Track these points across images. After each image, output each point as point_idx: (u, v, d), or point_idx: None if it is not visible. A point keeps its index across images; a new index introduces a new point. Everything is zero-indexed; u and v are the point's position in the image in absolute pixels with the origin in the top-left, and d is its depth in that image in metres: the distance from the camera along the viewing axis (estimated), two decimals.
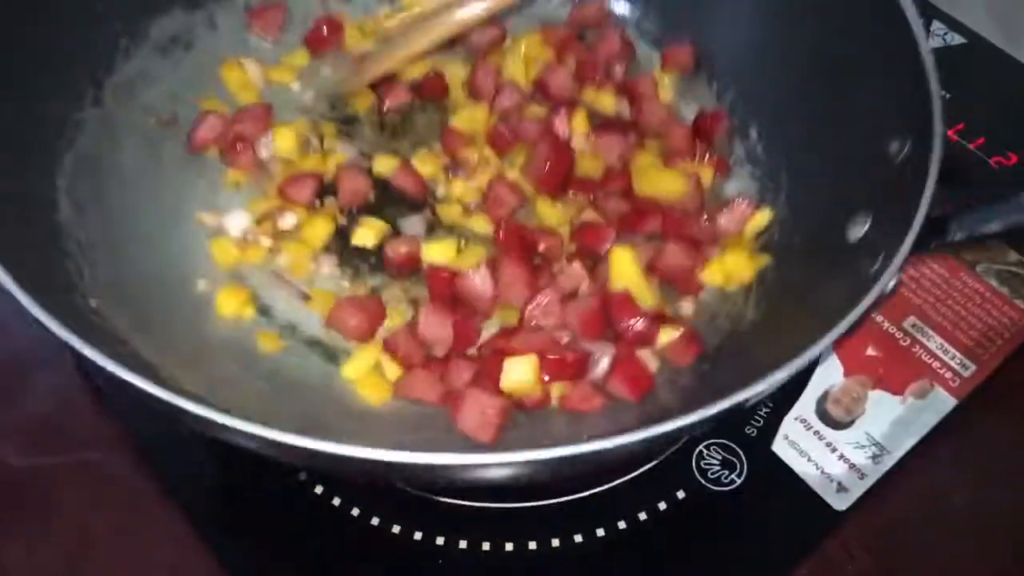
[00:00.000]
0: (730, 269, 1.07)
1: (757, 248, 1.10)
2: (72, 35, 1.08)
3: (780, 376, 0.81)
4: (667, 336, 1.00)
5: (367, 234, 1.10)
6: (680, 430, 0.75)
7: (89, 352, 0.73)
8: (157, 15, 1.18)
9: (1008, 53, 1.45)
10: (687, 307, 1.07)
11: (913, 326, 1.18)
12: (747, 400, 0.78)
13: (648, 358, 1.00)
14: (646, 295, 1.03)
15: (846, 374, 1.14)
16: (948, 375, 1.14)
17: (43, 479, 1.04)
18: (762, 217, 1.11)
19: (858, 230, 0.99)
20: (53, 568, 1.00)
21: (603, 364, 0.98)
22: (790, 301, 1.02)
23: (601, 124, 1.18)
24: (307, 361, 1.03)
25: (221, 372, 0.97)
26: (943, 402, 1.12)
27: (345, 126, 1.21)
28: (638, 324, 1.00)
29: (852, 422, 1.11)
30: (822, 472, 1.07)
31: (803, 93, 1.13)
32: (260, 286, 1.08)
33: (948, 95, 1.39)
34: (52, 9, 1.04)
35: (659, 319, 1.02)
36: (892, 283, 0.89)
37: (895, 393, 1.12)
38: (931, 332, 1.17)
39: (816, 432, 1.10)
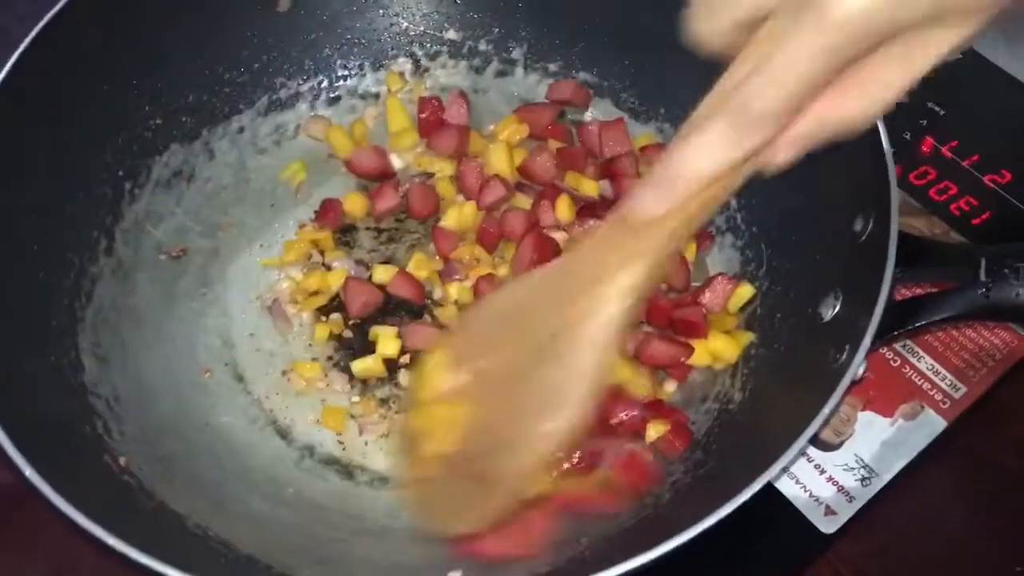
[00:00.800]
0: (716, 349, 1.12)
1: (742, 324, 1.14)
2: (80, 191, 1.16)
3: (765, 477, 0.86)
4: (656, 431, 1.05)
5: (390, 344, 1.16)
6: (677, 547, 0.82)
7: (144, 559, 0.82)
8: (157, 154, 1.25)
9: (1004, 70, 1.44)
10: (673, 388, 1.12)
11: (904, 347, 1.20)
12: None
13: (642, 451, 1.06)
14: (639, 386, 1.08)
15: None
16: (938, 397, 1.16)
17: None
18: (745, 292, 1.15)
19: (830, 309, 1.02)
20: None
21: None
22: (775, 380, 1.06)
23: (583, 207, 1.23)
24: (327, 482, 1.10)
25: (247, 508, 1.04)
26: (933, 424, 1.14)
27: (343, 235, 1.27)
28: (632, 415, 1.05)
29: (841, 444, 1.13)
30: (810, 495, 1.10)
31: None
32: (277, 409, 1.15)
33: (942, 111, 1.42)
34: (60, 166, 1.13)
35: (652, 407, 1.07)
36: (860, 370, 0.94)
37: (885, 415, 1.15)
38: (922, 353, 1.19)
39: (804, 453, 1.12)
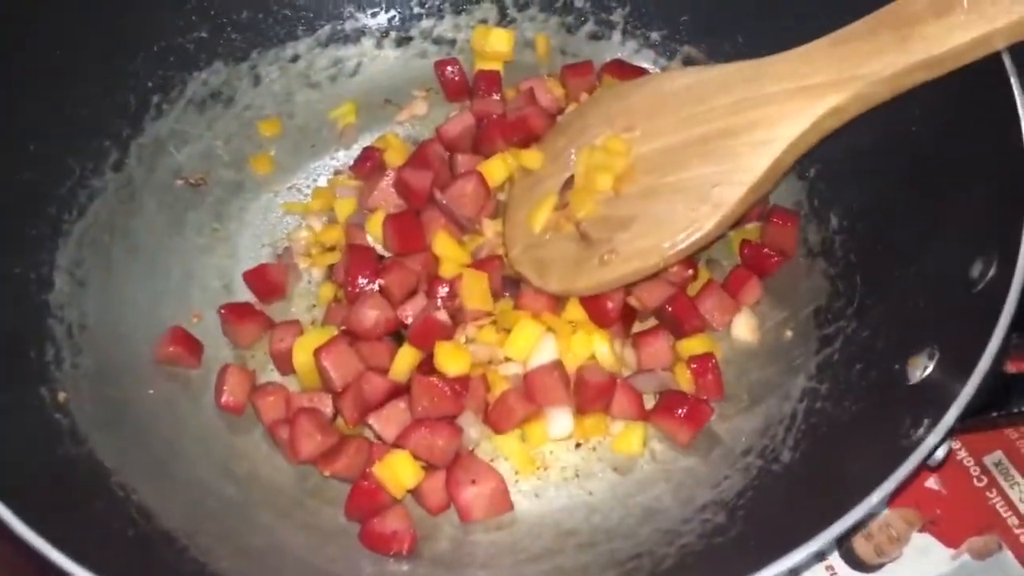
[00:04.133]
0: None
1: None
2: (98, 94, 1.05)
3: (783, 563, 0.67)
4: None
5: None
6: None
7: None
8: (197, 70, 1.13)
9: None
10: (724, 427, 0.93)
11: (997, 464, 0.96)
12: None
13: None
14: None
15: (889, 503, 0.92)
16: None
17: None
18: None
19: (921, 369, 0.81)
20: None
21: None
22: (835, 443, 0.86)
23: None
24: (289, 465, 0.95)
25: (189, 475, 0.92)
26: (1009, 570, 0.89)
27: None
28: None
29: (880, 567, 0.90)
30: None
31: (894, 184, 0.96)
32: (261, 370, 1.02)
33: None
34: (77, 66, 1.02)
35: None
36: (942, 452, 0.73)
37: (948, 544, 0.91)
38: (1018, 477, 0.95)
39: (832, 571, 0.91)
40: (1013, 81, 0.81)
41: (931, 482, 0.94)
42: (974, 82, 0.81)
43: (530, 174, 1.06)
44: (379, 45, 1.22)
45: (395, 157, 1.10)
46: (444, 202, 1.03)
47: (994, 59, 0.81)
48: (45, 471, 0.81)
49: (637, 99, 1.02)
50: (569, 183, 1.02)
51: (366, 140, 1.16)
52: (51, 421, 0.87)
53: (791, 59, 0.90)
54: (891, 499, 0.77)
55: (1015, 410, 0.72)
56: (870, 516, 0.67)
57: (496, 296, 1.01)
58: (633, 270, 0.95)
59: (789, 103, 0.88)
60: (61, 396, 0.89)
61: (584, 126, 1.05)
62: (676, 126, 0.97)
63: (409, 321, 0.98)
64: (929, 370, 0.80)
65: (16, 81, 0.96)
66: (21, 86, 0.97)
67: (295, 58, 1.19)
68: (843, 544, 0.91)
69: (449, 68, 1.17)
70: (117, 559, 0.72)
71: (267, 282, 1.05)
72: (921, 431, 0.72)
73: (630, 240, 0.95)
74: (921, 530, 0.92)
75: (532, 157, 1.06)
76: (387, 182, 1.06)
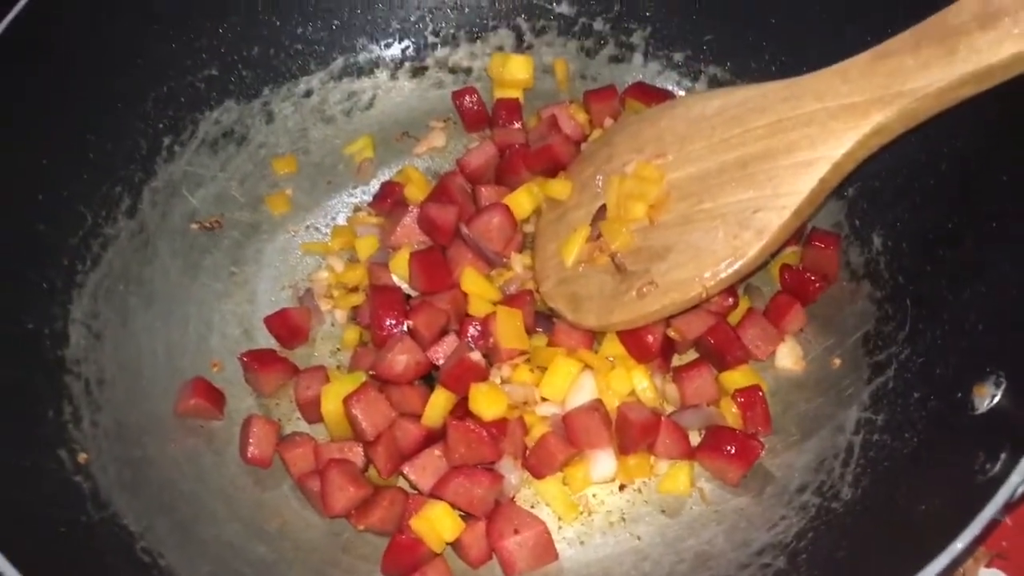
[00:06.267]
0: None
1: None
2: (108, 138, 1.01)
3: None
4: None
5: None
6: None
7: None
8: (208, 109, 1.10)
9: None
10: (774, 463, 0.89)
11: None
12: None
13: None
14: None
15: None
16: None
17: None
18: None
19: (988, 398, 0.76)
20: None
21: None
22: (899, 480, 0.81)
23: None
24: (321, 520, 0.91)
25: (218, 535, 0.88)
26: None
27: None
28: None
29: None
30: None
31: (940, 201, 0.92)
32: (287, 421, 0.98)
33: None
34: (85, 110, 0.99)
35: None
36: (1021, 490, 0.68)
37: None
38: None
39: None
40: None
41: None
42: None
43: (558, 205, 1.03)
44: (394, 76, 1.18)
45: (416, 191, 1.07)
46: (471, 237, 0.99)
47: None
48: (70, 541, 0.77)
49: (667, 123, 0.98)
50: (600, 213, 0.99)
51: (384, 175, 1.13)
52: (72, 485, 0.83)
53: (830, 76, 0.87)
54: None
55: None
56: (955, 565, 0.62)
57: (528, 332, 0.97)
58: (672, 302, 0.92)
59: (832, 122, 0.85)
60: (81, 457, 0.85)
61: (612, 153, 1.01)
62: (710, 150, 0.93)
63: (441, 363, 0.93)
64: (997, 399, 0.76)
65: (22, 129, 0.93)
66: (27, 134, 0.93)
67: (308, 93, 1.15)
68: None
69: (467, 98, 1.14)
70: None
71: (289, 327, 1.01)
72: (999, 466, 0.68)
73: (668, 271, 0.92)
74: (988, 565, 0.87)
75: (560, 187, 1.03)
76: (410, 218, 1.02)
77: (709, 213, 0.91)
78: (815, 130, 0.86)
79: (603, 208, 0.99)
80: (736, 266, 0.89)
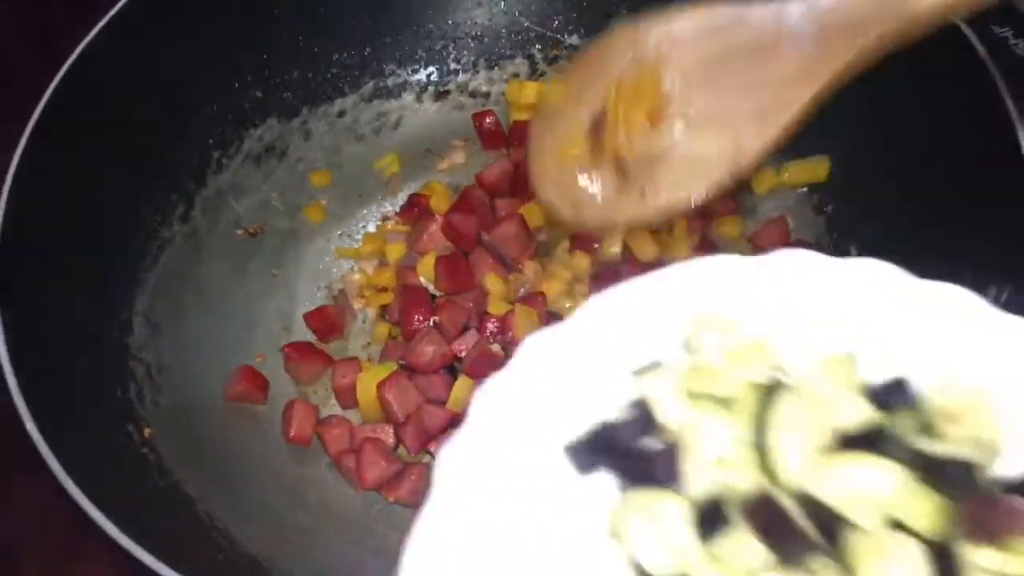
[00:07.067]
0: None
1: None
2: (165, 151, 1.13)
3: None
4: None
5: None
6: None
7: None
8: (252, 127, 1.21)
9: None
10: None
11: None
12: None
13: None
14: None
15: None
16: None
17: None
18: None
19: None
20: None
21: None
22: None
23: None
24: (356, 493, 1.03)
25: (264, 505, 0.98)
26: None
27: None
28: None
29: None
30: None
31: (908, 217, 1.03)
32: (323, 404, 1.09)
33: None
34: (147, 128, 1.10)
35: None
36: None
37: None
38: None
39: None
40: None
41: None
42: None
43: (554, 110, 1.04)
44: (419, 99, 1.30)
45: (440, 203, 1.19)
46: (491, 243, 1.11)
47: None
48: (148, 502, 0.88)
49: (666, 29, 0.97)
50: (599, 119, 0.99)
51: (410, 188, 1.25)
52: (140, 456, 0.94)
53: None
54: None
55: None
56: None
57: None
58: (677, 201, 0.94)
59: (833, 31, 0.85)
60: (147, 432, 0.96)
61: (610, 57, 1.01)
62: (714, 55, 0.94)
63: (463, 355, 1.05)
64: None
65: (101, 146, 1.05)
66: (105, 149, 1.05)
67: (342, 113, 1.27)
68: None
69: (486, 119, 1.25)
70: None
71: (326, 322, 1.12)
72: None
73: (669, 173, 0.94)
74: None
75: (554, 91, 1.05)
76: (435, 227, 1.14)
77: (711, 118, 0.93)
78: (818, 42, 0.86)
79: (602, 113, 0.99)
80: (739, 166, 0.90)
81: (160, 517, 0.87)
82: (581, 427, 0.66)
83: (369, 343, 1.14)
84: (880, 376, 0.67)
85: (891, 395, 0.67)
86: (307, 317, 1.13)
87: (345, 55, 1.26)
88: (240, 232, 1.19)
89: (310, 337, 1.13)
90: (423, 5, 1.27)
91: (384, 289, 1.15)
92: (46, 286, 0.95)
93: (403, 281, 1.13)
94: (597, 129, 1.00)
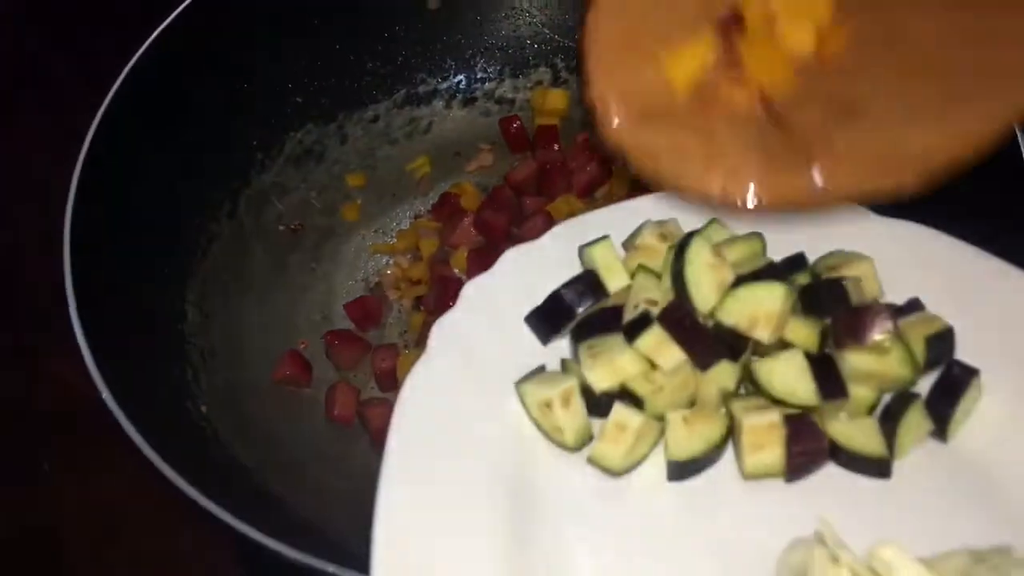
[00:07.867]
0: None
1: None
2: (213, 152, 1.21)
3: None
4: None
5: None
6: None
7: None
8: (293, 131, 1.29)
9: None
10: None
11: None
12: None
13: None
14: None
15: None
16: None
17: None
18: None
19: None
20: None
21: None
22: None
23: None
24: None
25: (309, 475, 1.05)
26: None
27: None
28: None
29: None
30: None
31: None
32: (362, 387, 1.16)
33: None
34: (196, 131, 1.18)
35: None
36: None
37: None
38: None
39: None
40: None
41: None
42: None
43: None
44: (448, 105, 1.38)
45: (470, 202, 1.27)
46: (520, 237, 1.19)
47: None
48: (213, 470, 0.95)
49: None
50: (731, 22, 0.65)
51: (440, 188, 1.32)
52: (199, 429, 1.01)
53: None
54: None
55: None
56: None
57: None
58: (871, 187, 0.63)
59: None
60: (203, 408, 1.03)
61: None
62: None
63: None
64: None
65: (156, 154, 1.13)
66: (165, 151, 1.14)
67: (376, 119, 1.35)
68: None
69: (512, 124, 1.33)
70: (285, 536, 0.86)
71: (366, 312, 1.20)
72: None
73: (858, 139, 0.63)
74: None
75: None
76: (467, 222, 1.22)
77: (924, 60, 0.61)
78: None
79: (734, 17, 0.65)
80: (979, 147, 0.60)
81: (223, 484, 0.94)
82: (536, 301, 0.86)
83: (405, 331, 1.21)
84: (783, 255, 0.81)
85: (792, 264, 0.81)
86: (348, 307, 1.20)
87: (379, 64, 1.34)
88: (282, 228, 1.27)
89: (349, 326, 1.20)
90: (452, 18, 1.35)
91: (418, 282, 1.23)
92: (113, 280, 1.03)
93: (437, 273, 1.20)
94: (727, 32, 0.66)
